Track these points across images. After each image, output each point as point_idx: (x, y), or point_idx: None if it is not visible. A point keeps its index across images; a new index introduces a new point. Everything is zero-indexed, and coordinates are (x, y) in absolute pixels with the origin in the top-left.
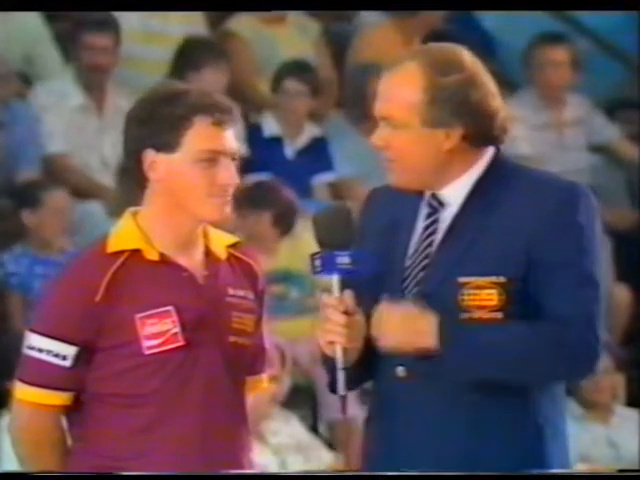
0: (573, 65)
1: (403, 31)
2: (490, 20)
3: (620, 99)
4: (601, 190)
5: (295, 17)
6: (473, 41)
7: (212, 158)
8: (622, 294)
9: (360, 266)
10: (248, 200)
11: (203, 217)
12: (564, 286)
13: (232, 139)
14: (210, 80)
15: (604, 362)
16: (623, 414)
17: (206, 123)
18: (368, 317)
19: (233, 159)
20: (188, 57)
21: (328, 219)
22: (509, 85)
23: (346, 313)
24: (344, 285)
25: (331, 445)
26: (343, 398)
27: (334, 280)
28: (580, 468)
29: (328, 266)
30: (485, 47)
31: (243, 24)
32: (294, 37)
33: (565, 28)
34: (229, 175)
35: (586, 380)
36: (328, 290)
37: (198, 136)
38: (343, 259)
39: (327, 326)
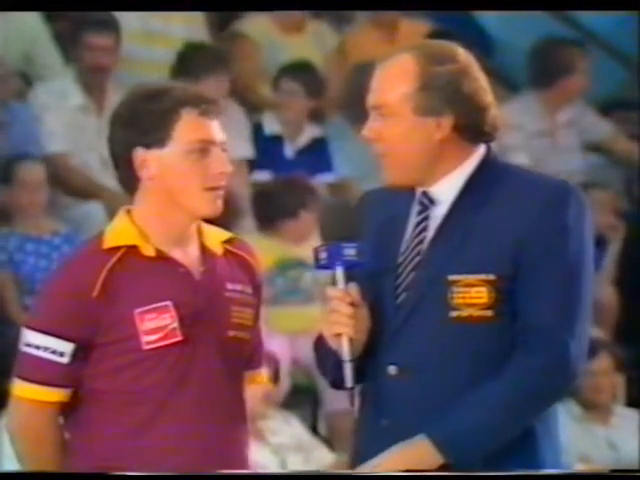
0: (588, 72)
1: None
2: (490, 20)
3: (620, 99)
4: (599, 189)
5: (313, 26)
6: (473, 41)
7: (203, 148)
8: (606, 295)
9: (366, 258)
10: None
11: (197, 212)
12: (547, 288)
13: (219, 129)
14: (212, 88)
15: (604, 362)
16: (623, 414)
17: (194, 114)
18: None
19: (223, 149)
20: (190, 65)
21: (332, 214)
22: (509, 85)
23: (352, 305)
24: (348, 278)
25: (331, 445)
26: (352, 390)
27: (339, 272)
28: (580, 468)
29: (335, 258)
30: (485, 47)
31: (256, 27)
32: (308, 47)
33: (565, 28)
34: (221, 164)
35: (585, 380)
36: (333, 283)
37: (187, 128)
38: (349, 251)
39: (333, 318)
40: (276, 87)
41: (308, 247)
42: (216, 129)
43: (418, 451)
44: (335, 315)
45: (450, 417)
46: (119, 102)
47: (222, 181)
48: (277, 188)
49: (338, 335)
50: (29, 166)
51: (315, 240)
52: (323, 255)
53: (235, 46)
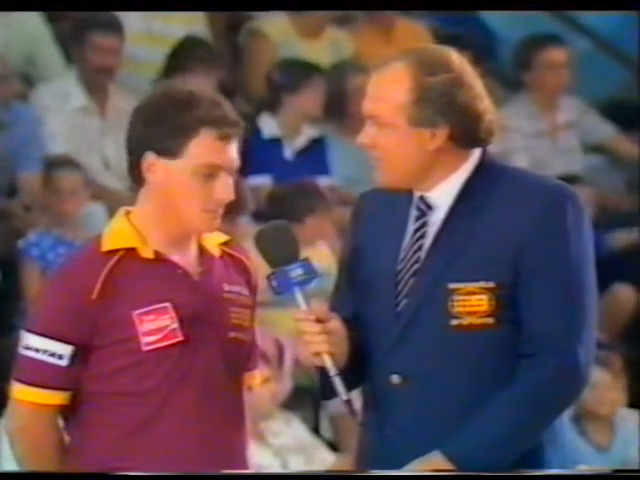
0: (570, 66)
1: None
2: (490, 20)
3: (620, 99)
4: (600, 190)
5: (331, 32)
6: (473, 42)
7: (212, 173)
8: (624, 295)
9: (315, 272)
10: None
11: (193, 228)
12: (550, 294)
13: (234, 154)
14: (200, 81)
15: (604, 362)
16: (624, 415)
17: (212, 136)
18: (354, 318)
19: (230, 174)
20: (180, 58)
21: (270, 238)
22: (510, 85)
23: (319, 321)
24: (312, 296)
25: (333, 446)
26: (348, 402)
27: (297, 295)
28: (581, 468)
29: (285, 284)
30: (485, 48)
31: (275, 27)
32: (323, 53)
33: (565, 28)
34: (226, 191)
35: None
36: (297, 305)
37: (201, 148)
38: (296, 271)
39: (305, 338)
40: (300, 81)
41: (312, 252)
42: (230, 154)
43: (433, 468)
44: (306, 335)
45: (464, 433)
46: (147, 98)
47: (221, 206)
48: (287, 193)
49: (317, 354)
50: (69, 173)
51: (319, 244)
52: (274, 284)
53: (251, 43)
